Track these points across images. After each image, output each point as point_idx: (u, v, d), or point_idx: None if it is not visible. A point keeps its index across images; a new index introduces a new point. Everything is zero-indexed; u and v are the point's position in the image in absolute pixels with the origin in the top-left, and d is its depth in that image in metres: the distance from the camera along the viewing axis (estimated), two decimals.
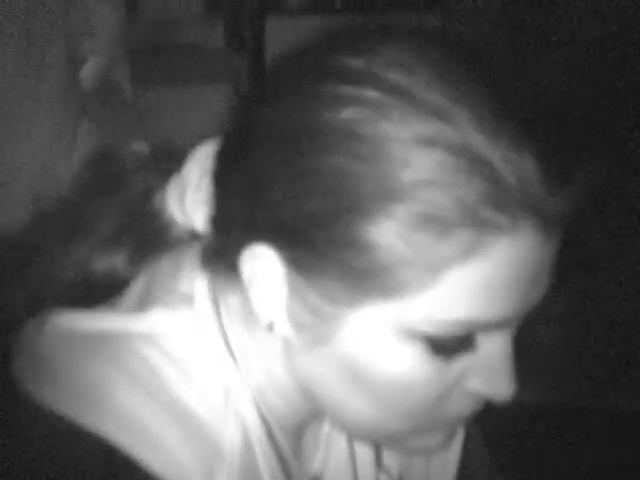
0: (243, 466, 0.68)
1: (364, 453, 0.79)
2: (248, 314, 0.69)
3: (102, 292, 0.74)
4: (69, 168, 1.50)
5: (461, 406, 0.68)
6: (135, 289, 0.73)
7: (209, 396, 0.68)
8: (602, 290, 2.35)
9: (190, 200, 0.73)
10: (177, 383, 0.68)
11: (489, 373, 0.66)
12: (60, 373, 0.67)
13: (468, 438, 0.84)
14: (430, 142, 0.61)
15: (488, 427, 0.84)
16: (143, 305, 0.71)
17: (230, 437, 0.68)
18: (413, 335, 0.64)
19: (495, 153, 0.61)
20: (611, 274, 2.37)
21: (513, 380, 0.66)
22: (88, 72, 1.67)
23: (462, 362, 0.66)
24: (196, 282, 0.71)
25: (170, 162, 0.76)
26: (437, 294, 0.62)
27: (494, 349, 0.66)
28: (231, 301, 0.70)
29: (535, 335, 0.67)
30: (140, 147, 0.78)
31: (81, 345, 0.68)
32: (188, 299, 0.70)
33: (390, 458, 0.80)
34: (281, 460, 0.71)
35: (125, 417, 0.65)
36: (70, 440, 0.65)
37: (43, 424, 0.66)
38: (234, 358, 0.70)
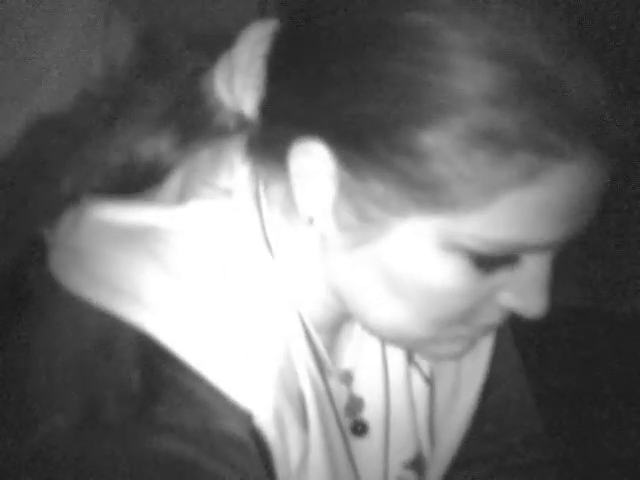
0: (281, 364, 0.68)
1: (396, 349, 0.80)
2: (289, 207, 0.69)
3: (144, 180, 0.73)
4: (104, 58, 1.48)
5: (490, 317, 0.69)
6: (174, 181, 0.73)
7: (246, 290, 0.68)
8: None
9: (239, 83, 0.71)
10: (214, 276, 0.67)
11: (525, 290, 0.67)
12: (95, 265, 0.67)
13: (499, 338, 0.85)
14: (500, 57, 0.59)
15: (518, 329, 0.84)
16: (181, 198, 0.70)
17: (268, 333, 0.68)
18: (458, 249, 0.63)
19: (566, 74, 0.59)
20: None
21: (547, 298, 0.67)
22: None
23: (500, 277, 0.66)
24: (236, 175, 0.70)
25: (213, 45, 0.74)
26: (490, 214, 0.62)
27: (534, 268, 0.66)
28: (273, 193, 0.70)
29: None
30: (177, 30, 0.76)
31: (117, 237, 0.68)
32: (227, 192, 0.70)
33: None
34: (317, 359, 0.72)
35: (160, 308, 0.65)
36: (104, 329, 0.65)
37: (78, 315, 0.66)
38: (271, 251, 0.70)
